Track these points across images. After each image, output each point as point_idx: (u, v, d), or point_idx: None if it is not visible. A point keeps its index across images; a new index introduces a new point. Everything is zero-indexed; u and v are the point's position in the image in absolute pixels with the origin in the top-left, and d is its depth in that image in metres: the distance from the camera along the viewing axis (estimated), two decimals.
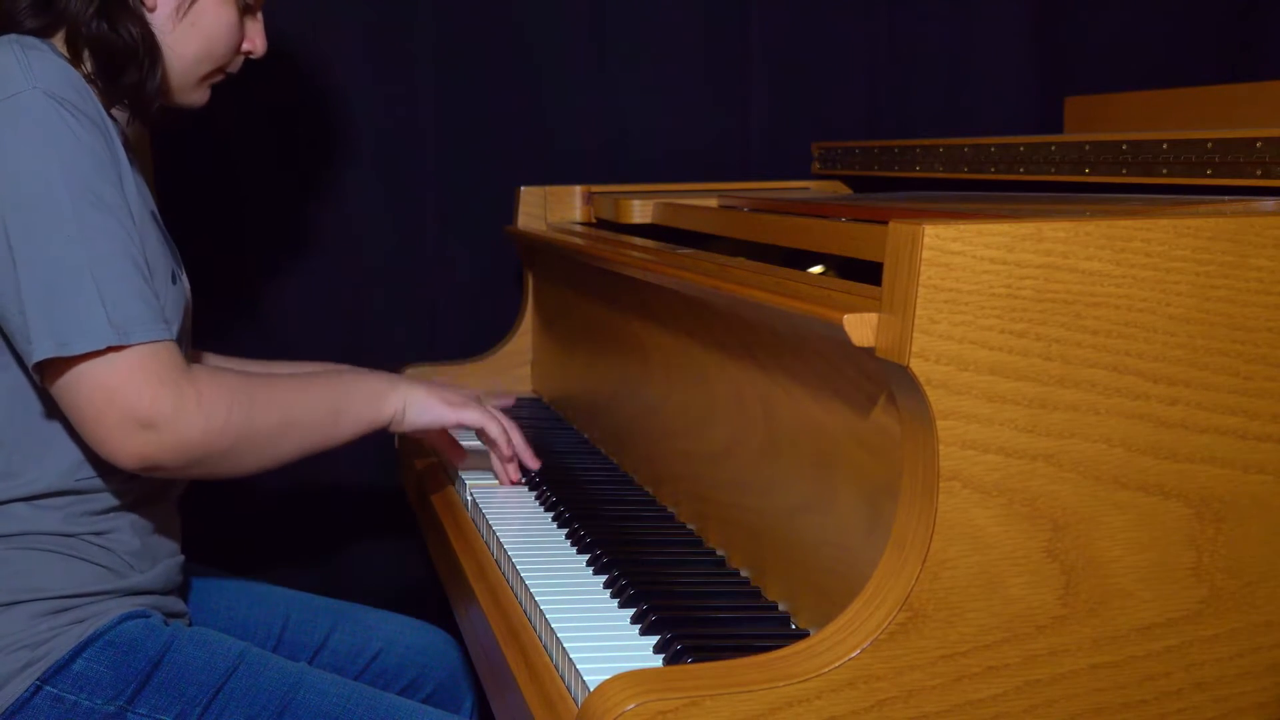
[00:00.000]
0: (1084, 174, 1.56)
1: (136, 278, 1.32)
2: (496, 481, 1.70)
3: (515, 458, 1.66)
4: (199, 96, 1.55)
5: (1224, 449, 1.01)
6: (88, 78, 1.40)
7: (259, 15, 1.56)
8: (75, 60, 1.42)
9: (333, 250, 2.30)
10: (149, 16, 1.44)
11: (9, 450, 1.39)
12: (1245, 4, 2.45)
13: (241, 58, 1.56)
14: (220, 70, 1.54)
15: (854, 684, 0.96)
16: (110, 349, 1.29)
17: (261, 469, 1.42)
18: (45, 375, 1.32)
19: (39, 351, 1.29)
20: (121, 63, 1.41)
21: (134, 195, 1.39)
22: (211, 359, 1.77)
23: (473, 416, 1.57)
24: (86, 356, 1.29)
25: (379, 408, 1.49)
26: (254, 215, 2.28)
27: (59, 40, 1.42)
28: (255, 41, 1.56)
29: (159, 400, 1.30)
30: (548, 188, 2.23)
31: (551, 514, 1.57)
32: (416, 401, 1.51)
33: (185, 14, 1.46)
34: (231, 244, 2.26)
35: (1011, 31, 2.43)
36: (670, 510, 1.56)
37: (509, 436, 1.63)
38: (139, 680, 1.37)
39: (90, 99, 1.37)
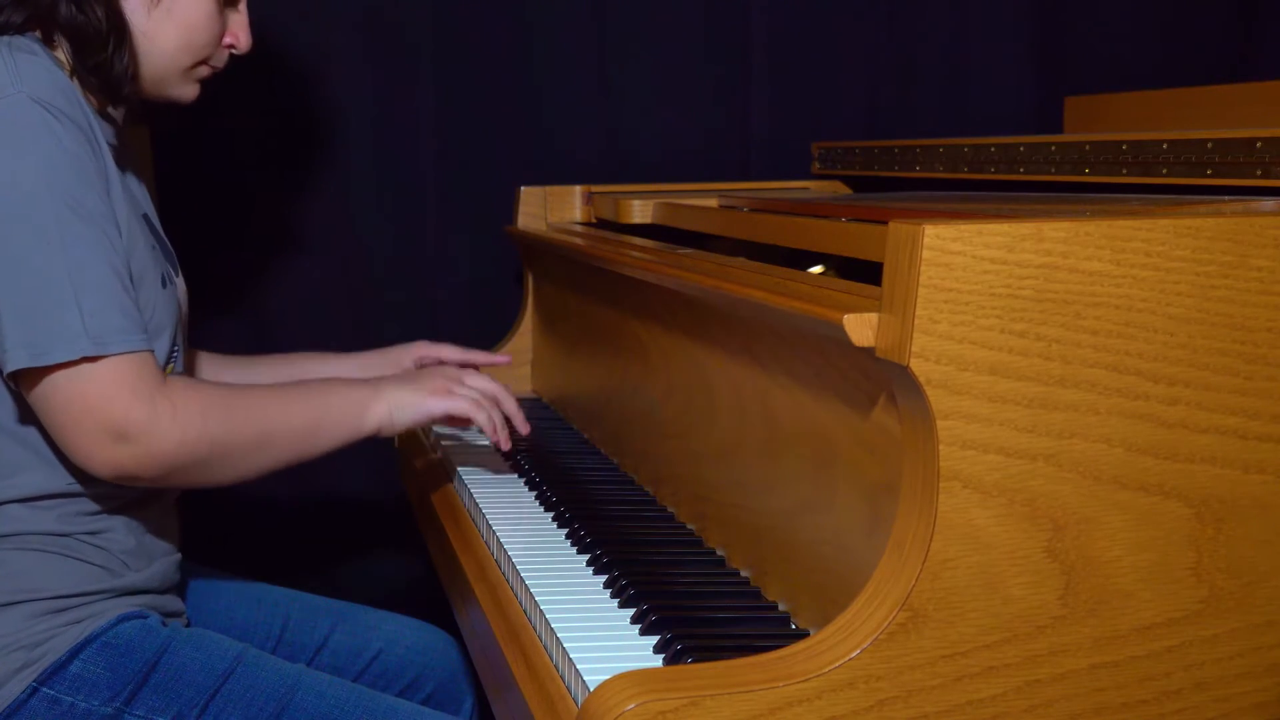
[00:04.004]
0: (1084, 174, 1.56)
1: (116, 287, 1.31)
2: (497, 481, 1.69)
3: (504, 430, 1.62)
4: (186, 91, 1.53)
5: (1224, 449, 1.01)
6: (71, 73, 1.40)
7: (241, 8, 1.54)
8: (52, 47, 1.41)
9: (332, 250, 2.30)
10: (122, 2, 1.43)
11: (1, 454, 1.39)
12: (1245, 5, 2.45)
13: (225, 52, 1.54)
14: (205, 64, 1.52)
15: (854, 684, 0.96)
16: (85, 359, 1.28)
17: (239, 480, 1.41)
18: (21, 384, 1.32)
19: (13, 360, 1.28)
20: (88, 44, 1.40)
21: (120, 200, 1.38)
22: (206, 360, 1.77)
23: (459, 407, 1.55)
24: (62, 366, 1.28)
25: (360, 419, 1.47)
26: (254, 215, 2.28)
27: (40, 33, 1.42)
28: (238, 35, 1.54)
29: (133, 411, 1.29)
30: (548, 188, 2.22)
31: (551, 514, 1.57)
32: (402, 403, 1.50)
33: (160, 0, 1.45)
34: (231, 244, 2.26)
35: (1011, 31, 2.43)
36: (670, 510, 1.56)
37: (494, 422, 1.58)
38: (136, 681, 1.36)
39: (76, 103, 1.36)
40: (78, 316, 1.27)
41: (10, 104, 1.30)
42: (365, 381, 1.52)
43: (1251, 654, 1.03)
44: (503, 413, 1.61)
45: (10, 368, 1.28)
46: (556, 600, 1.27)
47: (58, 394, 1.29)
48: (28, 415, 1.37)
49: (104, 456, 1.30)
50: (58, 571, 1.38)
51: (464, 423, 1.61)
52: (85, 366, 1.28)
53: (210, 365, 1.77)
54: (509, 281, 2.34)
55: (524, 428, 1.65)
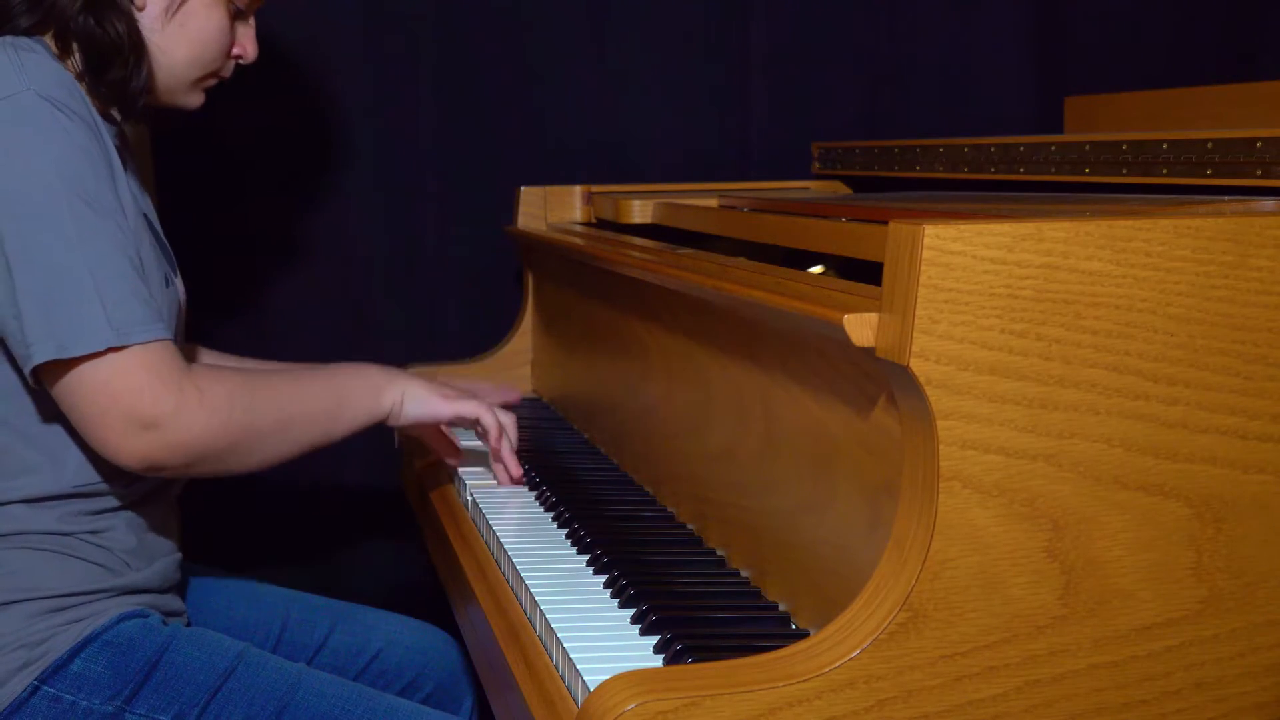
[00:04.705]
0: (1084, 174, 1.56)
1: (134, 277, 1.32)
2: (496, 481, 1.70)
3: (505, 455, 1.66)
4: (193, 99, 1.55)
5: (1224, 449, 1.01)
6: (78, 76, 1.41)
7: (250, 21, 1.56)
8: (64, 55, 1.42)
9: (333, 251, 2.30)
10: (138, 16, 1.44)
11: (4, 455, 1.39)
12: (1245, 5, 2.45)
13: (233, 62, 1.56)
14: (213, 74, 1.54)
15: (854, 684, 0.96)
16: (110, 350, 1.29)
17: (264, 466, 1.42)
18: (44, 378, 1.32)
19: (39, 354, 1.28)
20: (107, 59, 1.41)
21: (128, 197, 1.39)
22: (206, 356, 1.77)
23: (468, 408, 1.57)
24: (87, 358, 1.29)
25: (378, 400, 1.50)
26: (254, 216, 2.28)
27: (50, 38, 1.42)
28: (246, 47, 1.56)
29: (160, 400, 1.30)
30: (548, 188, 2.23)
31: (551, 514, 1.57)
32: (414, 394, 1.52)
33: (174, 15, 1.46)
34: (231, 245, 2.26)
35: (1011, 31, 2.43)
36: (670, 510, 1.56)
37: (500, 432, 1.63)
38: (137, 680, 1.37)
39: (81, 100, 1.37)
40: (100, 308, 1.28)
41: (19, 101, 1.31)
42: (382, 366, 1.55)
43: (1251, 654, 1.03)
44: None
45: (36, 360, 1.29)
46: (556, 600, 1.27)
47: (84, 386, 1.30)
48: (41, 416, 1.38)
49: (131, 447, 1.31)
50: (59, 570, 1.38)
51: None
52: (110, 357, 1.29)
53: (216, 361, 1.77)
54: (509, 281, 2.34)
55: (515, 470, 1.67)
